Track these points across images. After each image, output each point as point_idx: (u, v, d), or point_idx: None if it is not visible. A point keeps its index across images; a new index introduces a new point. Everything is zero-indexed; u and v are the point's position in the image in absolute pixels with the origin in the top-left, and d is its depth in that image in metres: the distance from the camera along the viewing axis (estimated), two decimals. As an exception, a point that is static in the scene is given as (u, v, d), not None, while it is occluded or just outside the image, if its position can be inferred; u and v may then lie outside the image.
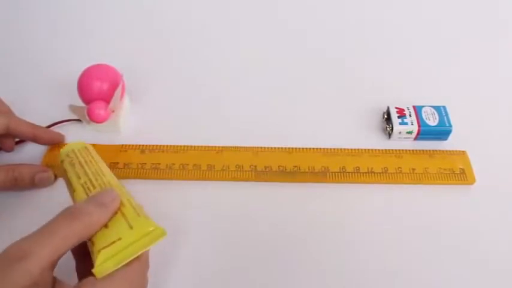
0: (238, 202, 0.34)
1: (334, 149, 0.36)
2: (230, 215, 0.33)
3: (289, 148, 0.36)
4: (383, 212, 0.33)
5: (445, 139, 0.36)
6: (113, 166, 0.35)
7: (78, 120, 0.37)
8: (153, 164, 0.35)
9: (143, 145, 0.36)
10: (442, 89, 0.41)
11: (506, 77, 0.42)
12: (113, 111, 0.36)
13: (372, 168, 0.34)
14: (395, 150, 0.36)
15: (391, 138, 0.36)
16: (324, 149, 0.36)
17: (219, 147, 0.36)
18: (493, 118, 0.39)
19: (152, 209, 0.33)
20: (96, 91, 0.35)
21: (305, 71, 0.43)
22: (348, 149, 0.36)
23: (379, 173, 0.34)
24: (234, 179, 0.34)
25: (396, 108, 0.36)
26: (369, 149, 0.36)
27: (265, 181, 0.34)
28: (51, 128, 0.37)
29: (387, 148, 0.36)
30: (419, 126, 0.35)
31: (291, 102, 0.40)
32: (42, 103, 0.39)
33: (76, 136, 0.37)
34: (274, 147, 0.36)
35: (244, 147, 0.36)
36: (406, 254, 0.31)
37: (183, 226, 0.32)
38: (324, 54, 0.44)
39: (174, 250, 0.31)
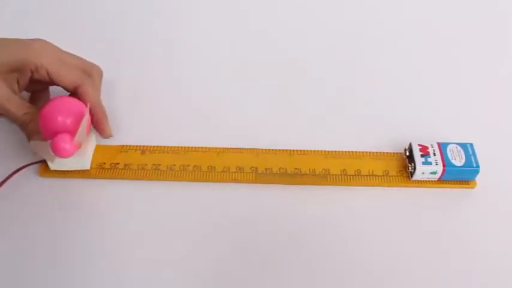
0: (239, 203, 0.34)
1: (335, 151, 0.36)
2: (230, 216, 0.33)
3: (290, 150, 0.36)
4: (384, 215, 0.33)
5: (472, 179, 0.34)
6: (113, 167, 0.34)
7: (40, 162, 0.34)
8: (154, 164, 0.35)
9: (144, 146, 0.36)
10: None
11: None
12: (80, 145, 0.32)
13: (373, 171, 0.34)
14: (397, 153, 0.36)
15: (413, 178, 0.34)
16: (325, 151, 0.36)
17: (219, 148, 0.36)
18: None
19: (153, 210, 0.33)
20: (59, 125, 0.31)
21: (311, 75, 0.42)
22: (349, 152, 0.36)
23: (380, 176, 0.34)
24: (235, 180, 0.34)
25: (419, 145, 0.34)
26: (370, 152, 0.36)
27: (266, 183, 0.34)
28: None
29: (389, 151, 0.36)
30: (444, 166, 0.33)
31: (294, 104, 0.40)
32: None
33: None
34: (275, 149, 0.36)
35: (245, 148, 0.36)
36: (407, 258, 0.31)
37: (183, 227, 0.32)
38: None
39: (173, 250, 0.31)
